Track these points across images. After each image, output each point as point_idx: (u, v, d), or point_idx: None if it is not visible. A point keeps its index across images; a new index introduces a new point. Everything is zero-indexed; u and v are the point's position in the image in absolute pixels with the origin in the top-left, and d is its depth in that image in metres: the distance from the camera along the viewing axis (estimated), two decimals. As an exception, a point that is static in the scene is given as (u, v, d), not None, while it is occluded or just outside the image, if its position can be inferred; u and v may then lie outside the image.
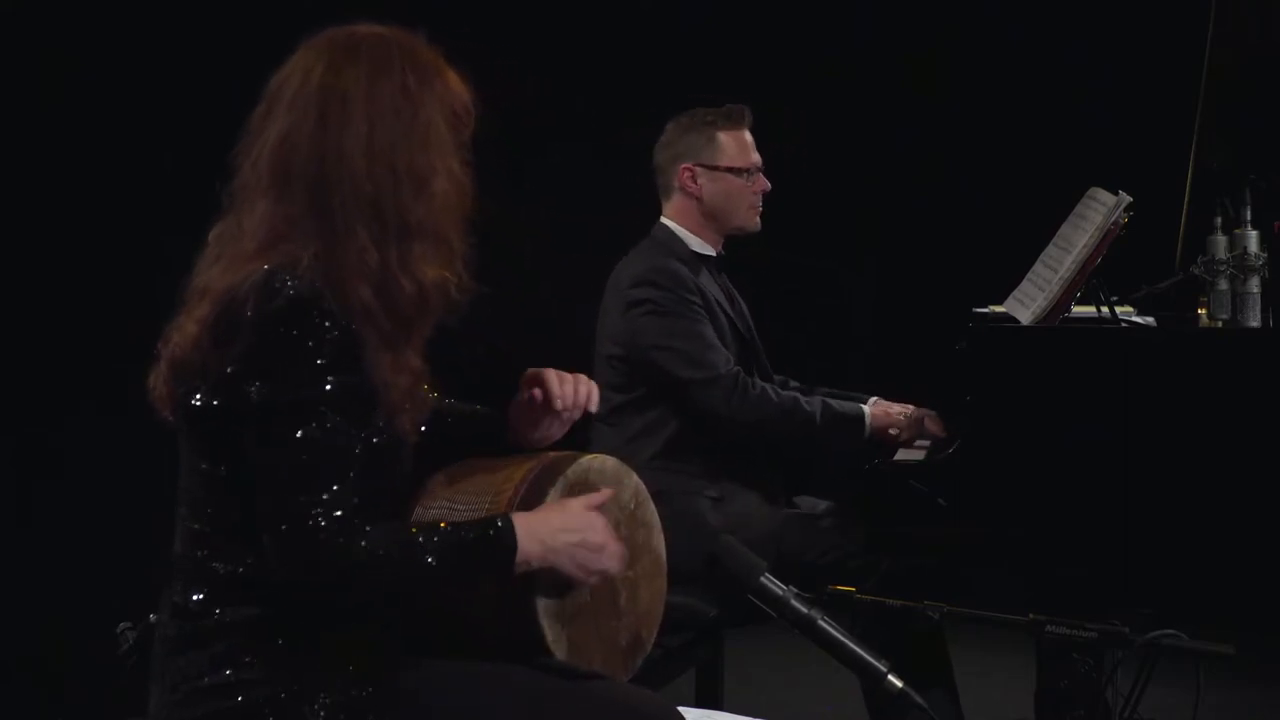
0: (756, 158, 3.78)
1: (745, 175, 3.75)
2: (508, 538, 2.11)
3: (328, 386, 2.01)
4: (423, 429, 2.22)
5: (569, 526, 2.18)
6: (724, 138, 3.74)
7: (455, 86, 2.20)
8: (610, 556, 2.22)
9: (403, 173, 2.11)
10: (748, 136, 3.78)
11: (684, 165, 3.75)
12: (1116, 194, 3.42)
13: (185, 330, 2.07)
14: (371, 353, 2.07)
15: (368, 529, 2.01)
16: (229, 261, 2.09)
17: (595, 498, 2.27)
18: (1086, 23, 5.86)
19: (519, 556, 2.12)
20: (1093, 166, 3.97)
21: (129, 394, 2.25)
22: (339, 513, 1.99)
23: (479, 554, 2.09)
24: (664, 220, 3.79)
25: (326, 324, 2.02)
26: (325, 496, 1.98)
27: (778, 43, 5.95)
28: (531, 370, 2.42)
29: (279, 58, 2.18)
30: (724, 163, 3.74)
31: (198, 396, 2.06)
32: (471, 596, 2.21)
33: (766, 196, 3.79)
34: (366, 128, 2.10)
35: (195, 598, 2.08)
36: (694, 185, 3.74)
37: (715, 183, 3.74)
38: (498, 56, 3.56)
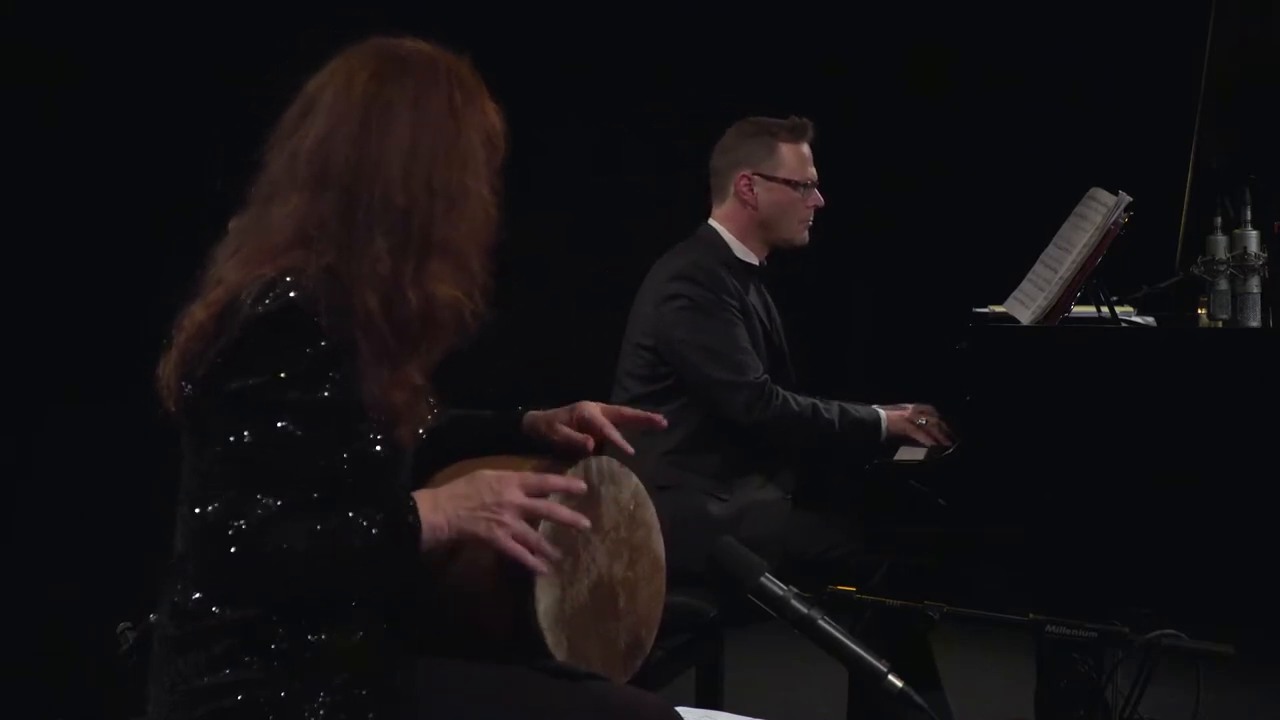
0: (813, 172, 3.78)
1: (801, 189, 3.75)
2: (411, 513, 2.07)
3: (292, 396, 1.99)
4: (428, 435, 2.22)
5: (460, 491, 2.12)
6: (785, 149, 3.75)
7: (493, 114, 2.21)
8: (510, 492, 2.11)
9: (438, 189, 2.11)
10: (807, 150, 3.79)
11: (742, 173, 3.75)
12: (1116, 194, 3.42)
13: (195, 317, 2.07)
14: (369, 365, 2.06)
15: (287, 528, 1.97)
16: (248, 255, 2.09)
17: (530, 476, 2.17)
18: (1087, 23, 5.86)
19: (425, 531, 2.06)
20: (1093, 166, 3.97)
21: (129, 391, 2.25)
22: (262, 514, 1.96)
23: (390, 534, 2.04)
24: (711, 223, 3.80)
25: (312, 335, 2.01)
26: (258, 496, 1.96)
27: (779, 42, 5.95)
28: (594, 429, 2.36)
29: (288, 59, 2.18)
30: (782, 174, 3.75)
31: (189, 387, 2.06)
32: (471, 598, 2.21)
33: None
34: (410, 139, 2.10)
35: (195, 597, 2.08)
36: (750, 194, 3.75)
37: (771, 193, 3.75)
38: (507, 58, 3.55)
